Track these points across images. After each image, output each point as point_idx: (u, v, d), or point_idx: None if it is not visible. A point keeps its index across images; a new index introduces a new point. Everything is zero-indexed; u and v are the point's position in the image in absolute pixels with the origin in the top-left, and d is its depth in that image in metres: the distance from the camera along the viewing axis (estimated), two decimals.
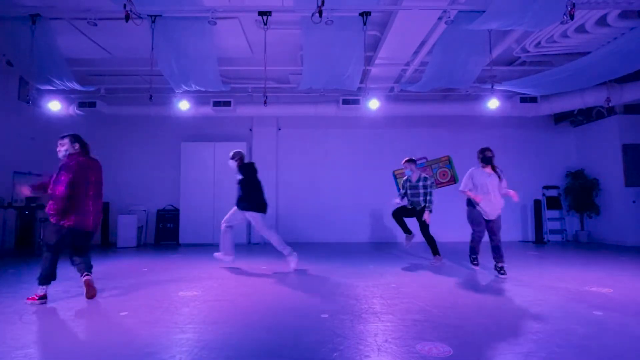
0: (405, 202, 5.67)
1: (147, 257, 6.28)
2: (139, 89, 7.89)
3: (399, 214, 5.66)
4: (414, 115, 8.47)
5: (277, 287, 3.94)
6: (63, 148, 3.43)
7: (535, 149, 8.86)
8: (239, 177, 4.97)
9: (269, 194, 8.70)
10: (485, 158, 4.52)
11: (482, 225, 4.54)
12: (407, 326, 2.59)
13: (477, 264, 4.83)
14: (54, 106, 7.09)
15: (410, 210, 5.59)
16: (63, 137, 3.45)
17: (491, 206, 4.41)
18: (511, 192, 4.38)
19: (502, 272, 4.34)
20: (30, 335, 2.44)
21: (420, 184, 5.47)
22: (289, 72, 7.35)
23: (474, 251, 4.76)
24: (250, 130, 8.86)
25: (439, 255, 5.42)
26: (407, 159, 5.57)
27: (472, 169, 4.62)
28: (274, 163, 8.78)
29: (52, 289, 3.77)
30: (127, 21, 3.96)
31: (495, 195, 4.39)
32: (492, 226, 4.47)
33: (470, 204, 4.63)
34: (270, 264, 5.49)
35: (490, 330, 2.51)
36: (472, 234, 4.70)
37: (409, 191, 5.61)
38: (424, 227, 5.35)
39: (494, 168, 4.50)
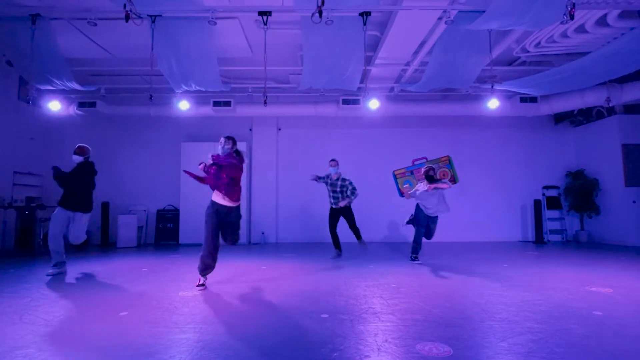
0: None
1: (147, 257, 6.28)
2: (139, 89, 7.88)
3: (333, 226, 6.17)
4: (414, 115, 8.47)
5: (277, 287, 3.94)
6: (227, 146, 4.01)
7: (535, 149, 8.86)
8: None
9: (269, 194, 8.79)
10: (428, 176, 5.53)
11: (424, 227, 5.52)
12: (407, 326, 2.58)
13: (417, 260, 5.53)
14: (54, 106, 7.09)
15: (336, 211, 6.13)
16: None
17: (434, 208, 5.44)
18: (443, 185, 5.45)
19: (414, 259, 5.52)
20: (30, 335, 2.44)
21: (339, 183, 6.02)
22: (289, 72, 7.35)
23: (416, 250, 5.56)
24: (250, 130, 8.87)
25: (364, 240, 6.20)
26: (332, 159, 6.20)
27: (420, 184, 5.71)
28: (274, 163, 8.78)
29: (53, 289, 3.77)
30: (127, 21, 3.96)
31: (439, 202, 5.44)
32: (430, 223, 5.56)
33: (419, 209, 5.58)
34: (270, 264, 5.49)
35: (490, 330, 2.51)
36: (416, 234, 5.55)
37: (329, 187, 6.10)
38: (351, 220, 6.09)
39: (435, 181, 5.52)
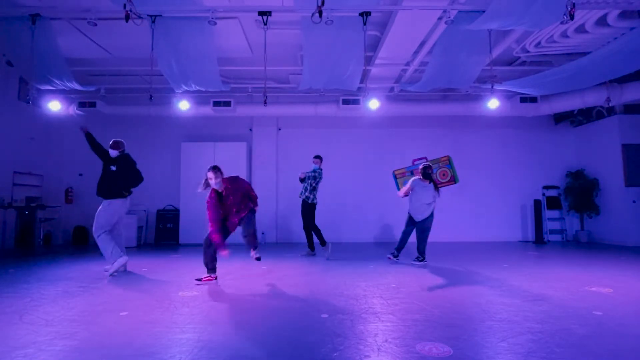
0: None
1: (147, 257, 6.28)
2: (139, 89, 7.89)
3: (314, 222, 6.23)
4: (414, 115, 8.47)
5: (277, 287, 3.94)
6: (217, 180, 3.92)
7: (535, 149, 8.86)
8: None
9: (268, 194, 8.78)
10: (426, 174, 5.36)
11: (411, 226, 5.47)
12: (407, 326, 2.58)
13: (397, 258, 5.53)
14: (54, 106, 7.09)
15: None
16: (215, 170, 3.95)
17: (420, 211, 5.33)
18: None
19: (419, 259, 5.38)
20: (30, 335, 2.44)
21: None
22: (289, 72, 7.35)
23: (400, 248, 5.53)
24: (250, 130, 8.87)
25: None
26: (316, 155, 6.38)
27: (415, 179, 5.43)
28: (274, 163, 8.78)
29: (52, 289, 3.78)
30: (127, 21, 3.96)
31: (429, 204, 5.32)
32: (420, 226, 5.41)
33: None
34: (270, 264, 5.49)
35: (490, 330, 2.50)
36: (403, 232, 5.52)
37: (315, 183, 6.15)
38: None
39: (433, 182, 5.41)
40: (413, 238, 5.54)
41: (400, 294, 3.51)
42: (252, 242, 4.25)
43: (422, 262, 5.35)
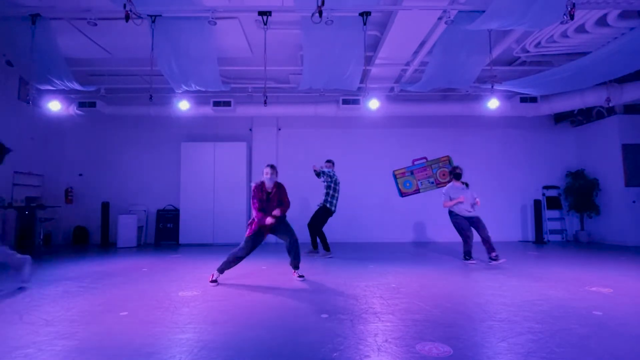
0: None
1: (147, 257, 6.28)
2: (139, 89, 7.89)
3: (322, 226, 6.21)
4: (414, 115, 8.47)
5: (277, 287, 3.94)
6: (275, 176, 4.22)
7: (535, 149, 8.86)
8: None
9: None
10: (456, 174, 5.63)
11: (470, 230, 5.50)
12: (407, 326, 2.59)
13: (473, 260, 5.54)
14: (54, 106, 7.09)
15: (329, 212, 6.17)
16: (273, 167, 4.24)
17: (467, 209, 5.52)
18: (478, 201, 5.57)
19: (496, 259, 5.28)
20: (30, 335, 2.44)
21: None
22: (289, 72, 7.35)
23: (470, 253, 5.56)
24: (250, 130, 8.86)
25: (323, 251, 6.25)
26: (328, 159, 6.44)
27: (450, 186, 5.62)
28: (274, 163, 8.77)
29: (53, 289, 3.78)
30: (127, 21, 3.96)
31: (467, 202, 5.54)
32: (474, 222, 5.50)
33: (453, 215, 5.56)
34: (270, 264, 5.49)
35: (490, 330, 2.51)
36: (465, 239, 5.53)
37: (335, 186, 6.14)
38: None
39: (465, 183, 5.70)
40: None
41: (400, 294, 3.51)
42: (293, 259, 4.34)
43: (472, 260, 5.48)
